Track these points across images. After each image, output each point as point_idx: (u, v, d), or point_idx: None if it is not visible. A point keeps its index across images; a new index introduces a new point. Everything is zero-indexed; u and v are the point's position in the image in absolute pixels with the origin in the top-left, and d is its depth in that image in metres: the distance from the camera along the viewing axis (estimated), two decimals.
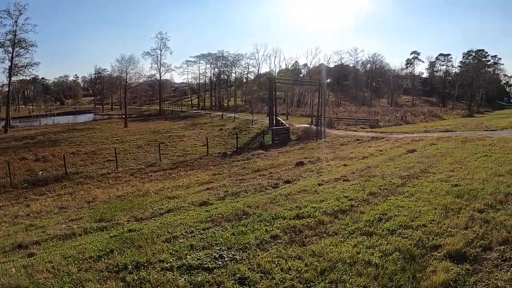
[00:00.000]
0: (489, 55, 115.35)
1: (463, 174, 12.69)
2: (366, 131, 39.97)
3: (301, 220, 9.06)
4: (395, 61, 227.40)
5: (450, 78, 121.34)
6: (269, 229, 8.54)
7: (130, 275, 6.65)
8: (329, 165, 19.86)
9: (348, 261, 6.69)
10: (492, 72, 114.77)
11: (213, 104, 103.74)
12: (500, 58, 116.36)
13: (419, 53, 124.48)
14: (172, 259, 7.19)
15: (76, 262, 7.55)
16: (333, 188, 12.53)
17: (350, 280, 6.07)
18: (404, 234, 7.72)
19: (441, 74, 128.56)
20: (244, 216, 9.77)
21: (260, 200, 11.67)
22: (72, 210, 15.86)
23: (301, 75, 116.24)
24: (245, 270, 6.57)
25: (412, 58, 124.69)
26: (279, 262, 6.85)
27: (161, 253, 7.56)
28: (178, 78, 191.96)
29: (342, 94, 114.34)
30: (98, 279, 6.65)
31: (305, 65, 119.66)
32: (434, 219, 8.46)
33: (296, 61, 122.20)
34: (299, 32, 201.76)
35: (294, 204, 10.59)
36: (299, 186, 13.64)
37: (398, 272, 6.19)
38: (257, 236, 8.14)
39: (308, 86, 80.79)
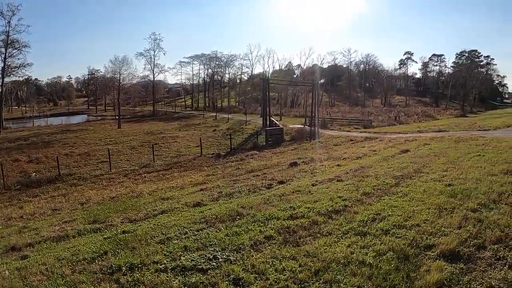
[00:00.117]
0: (482, 55, 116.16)
1: (457, 173, 12.73)
2: (360, 132, 40.07)
3: (295, 221, 9.06)
4: (389, 62, 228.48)
5: (443, 78, 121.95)
6: (263, 230, 8.54)
7: (124, 277, 6.64)
8: (322, 165, 19.89)
9: (342, 261, 6.70)
10: (485, 72, 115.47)
11: (207, 105, 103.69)
12: (493, 59, 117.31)
13: (412, 53, 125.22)
14: (166, 261, 7.17)
15: (70, 264, 7.53)
16: (327, 188, 12.54)
17: (344, 280, 6.08)
18: (398, 234, 7.74)
19: (434, 75, 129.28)
20: (238, 217, 9.77)
21: (254, 200, 11.67)
22: (65, 211, 15.77)
23: (295, 76, 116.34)
24: (239, 271, 6.57)
25: (406, 58, 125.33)
26: (273, 262, 6.86)
27: (155, 254, 7.54)
28: (171, 79, 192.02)
29: (335, 94, 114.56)
30: (92, 281, 6.63)
31: (299, 65, 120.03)
32: (428, 218, 8.48)
33: (290, 62, 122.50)
34: (293, 32, 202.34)
35: (288, 205, 10.59)
36: (293, 187, 13.64)
37: (392, 272, 6.21)
38: (251, 237, 8.13)
39: (302, 87, 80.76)
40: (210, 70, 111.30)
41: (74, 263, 7.55)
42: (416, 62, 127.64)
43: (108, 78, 76.69)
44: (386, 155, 19.88)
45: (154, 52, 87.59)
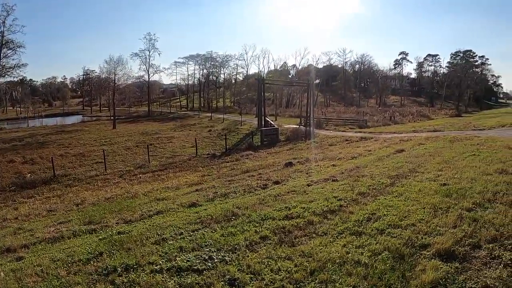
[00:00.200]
0: (476, 55, 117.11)
1: (452, 173, 12.75)
2: (355, 132, 40.14)
3: (290, 221, 9.06)
4: (384, 62, 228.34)
5: (438, 78, 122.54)
6: (258, 230, 8.53)
7: (120, 278, 6.61)
8: (318, 165, 19.90)
9: (337, 261, 6.69)
10: (480, 72, 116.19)
11: (202, 105, 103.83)
12: (488, 59, 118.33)
13: (407, 53, 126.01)
14: (162, 261, 7.15)
15: (65, 265, 7.50)
16: (322, 188, 12.54)
17: (340, 280, 6.08)
18: (393, 234, 7.74)
19: (429, 75, 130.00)
20: (233, 217, 9.75)
21: (249, 201, 11.66)
22: (60, 212, 15.72)
23: (290, 76, 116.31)
24: (235, 271, 6.56)
25: (401, 58, 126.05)
26: (269, 263, 6.85)
27: (150, 255, 7.52)
28: (166, 79, 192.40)
29: (330, 94, 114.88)
30: (88, 282, 6.60)
31: (294, 66, 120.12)
32: (423, 218, 8.49)
33: (285, 62, 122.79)
34: (288, 33, 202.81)
35: (283, 205, 10.58)
36: (288, 187, 13.63)
37: (387, 272, 6.21)
38: (247, 237, 8.12)
39: (297, 87, 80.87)
40: (205, 70, 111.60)
41: (69, 264, 7.52)
42: (411, 62, 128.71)
43: (103, 79, 76.86)
44: (381, 155, 19.90)
45: (149, 52, 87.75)
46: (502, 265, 6.20)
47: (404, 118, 55.20)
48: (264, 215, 9.66)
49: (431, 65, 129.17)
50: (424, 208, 9.17)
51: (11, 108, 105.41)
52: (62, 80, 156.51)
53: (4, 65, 58.74)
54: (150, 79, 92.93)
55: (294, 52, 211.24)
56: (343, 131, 41.33)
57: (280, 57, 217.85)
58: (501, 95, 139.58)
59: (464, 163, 14.37)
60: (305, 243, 7.69)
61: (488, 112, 75.46)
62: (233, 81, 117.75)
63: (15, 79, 70.39)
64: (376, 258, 6.70)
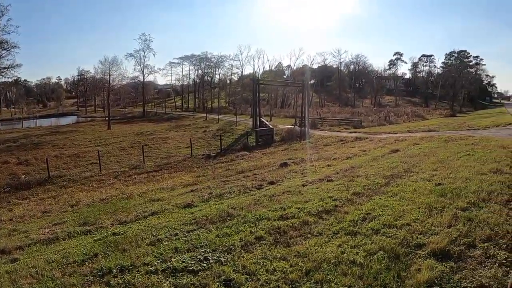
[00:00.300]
0: (471, 55, 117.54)
1: (446, 173, 12.80)
2: (350, 132, 40.16)
3: (285, 221, 9.06)
4: (379, 62, 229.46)
5: (432, 78, 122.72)
6: (253, 231, 8.52)
7: (115, 279, 6.59)
8: (313, 165, 19.94)
9: (333, 261, 6.70)
10: (474, 73, 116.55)
11: (197, 105, 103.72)
12: (482, 59, 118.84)
13: (402, 54, 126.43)
14: (157, 262, 7.13)
15: (60, 267, 7.47)
16: (317, 188, 12.56)
17: (335, 280, 6.08)
18: (388, 233, 7.76)
19: (424, 75, 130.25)
20: (228, 218, 9.75)
21: (244, 201, 11.66)
22: (55, 214, 15.67)
23: (285, 76, 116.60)
24: (230, 272, 6.55)
25: (395, 59, 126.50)
26: (264, 263, 6.84)
27: (145, 256, 7.50)
28: (161, 79, 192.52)
29: (325, 95, 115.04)
30: (83, 284, 6.58)
31: (289, 66, 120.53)
32: (418, 218, 8.52)
33: (280, 63, 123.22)
34: (283, 33, 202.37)
35: (278, 205, 10.59)
36: (283, 187, 13.65)
37: (382, 271, 6.22)
38: (242, 238, 8.12)
39: (292, 87, 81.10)
40: (200, 71, 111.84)
41: (64, 266, 7.50)
42: (406, 62, 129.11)
43: (97, 79, 76.75)
44: (376, 155, 19.96)
45: (144, 53, 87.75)
46: (497, 264, 6.23)
47: (399, 118, 55.32)
48: (259, 215, 9.66)
49: (425, 66, 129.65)
50: (419, 208, 9.20)
51: (5, 108, 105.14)
52: (56, 80, 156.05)
53: None
54: (145, 80, 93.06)
55: (289, 53, 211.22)
56: (338, 131, 41.36)
57: (275, 58, 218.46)
58: (496, 95, 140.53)
59: (458, 163, 14.42)
60: (300, 243, 7.69)
61: (483, 112, 75.83)
62: (228, 82, 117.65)
63: (10, 80, 69.90)
64: (371, 258, 6.72)
